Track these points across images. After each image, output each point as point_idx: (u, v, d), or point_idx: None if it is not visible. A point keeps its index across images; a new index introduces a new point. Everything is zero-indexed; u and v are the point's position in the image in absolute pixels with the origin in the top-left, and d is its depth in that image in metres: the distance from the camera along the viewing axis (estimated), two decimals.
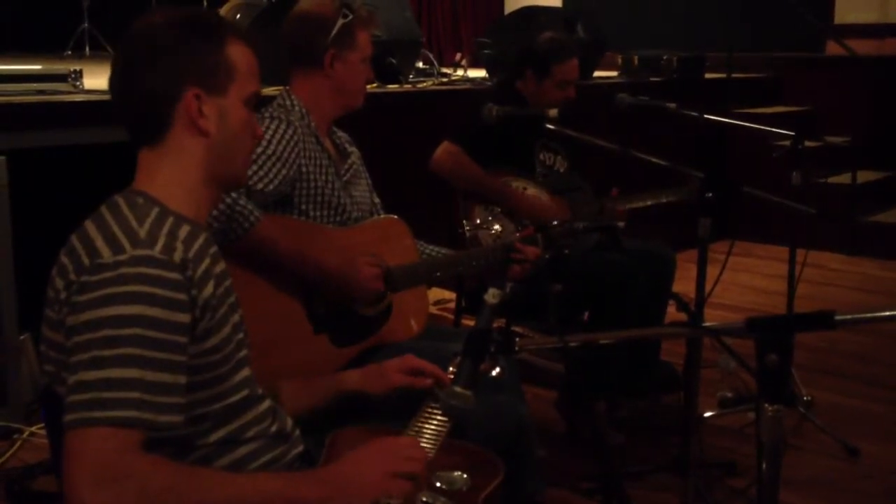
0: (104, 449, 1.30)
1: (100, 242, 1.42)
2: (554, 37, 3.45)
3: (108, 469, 1.29)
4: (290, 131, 2.36)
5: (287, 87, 2.50)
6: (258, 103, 1.65)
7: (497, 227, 3.21)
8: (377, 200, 2.67)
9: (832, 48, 6.99)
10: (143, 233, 1.43)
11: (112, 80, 1.56)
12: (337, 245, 2.39)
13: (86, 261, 1.41)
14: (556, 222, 2.57)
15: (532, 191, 3.35)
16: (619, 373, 3.28)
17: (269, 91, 3.81)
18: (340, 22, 2.43)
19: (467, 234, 3.19)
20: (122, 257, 1.39)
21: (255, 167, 2.25)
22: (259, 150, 2.28)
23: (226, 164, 1.58)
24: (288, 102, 2.46)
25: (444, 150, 3.23)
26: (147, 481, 1.31)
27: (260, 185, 2.26)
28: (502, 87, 3.61)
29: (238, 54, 1.57)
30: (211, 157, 1.56)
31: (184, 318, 1.41)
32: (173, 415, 1.38)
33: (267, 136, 2.31)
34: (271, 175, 2.29)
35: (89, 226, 1.47)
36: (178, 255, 1.43)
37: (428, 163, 3.26)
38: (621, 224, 2.36)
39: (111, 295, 1.37)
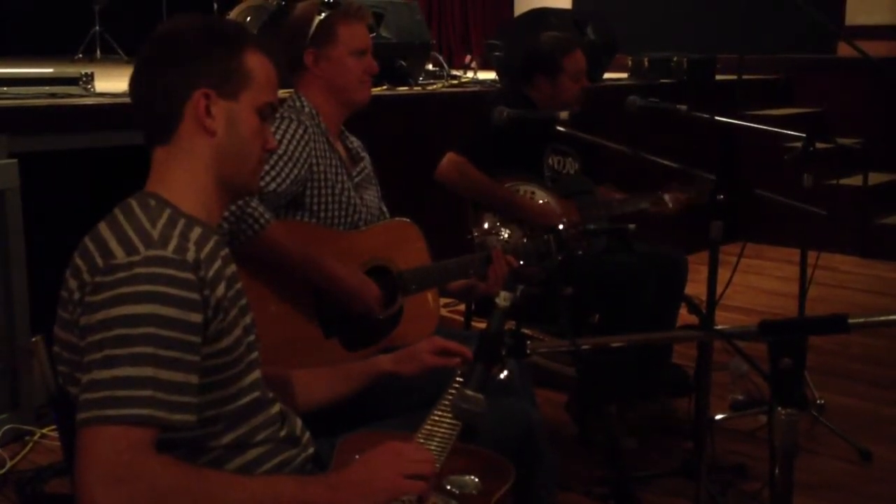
0: (116, 448, 1.31)
1: (113, 244, 1.43)
2: (555, 34, 3.52)
3: (120, 468, 1.29)
4: (300, 130, 2.36)
5: (296, 90, 2.50)
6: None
7: (506, 232, 3.20)
8: (385, 210, 2.65)
9: (843, 49, 6.95)
10: (155, 234, 1.45)
11: (132, 80, 1.60)
12: (348, 249, 2.38)
13: (100, 262, 1.43)
14: (564, 226, 2.56)
15: (540, 195, 3.33)
16: (630, 376, 3.27)
17: (280, 94, 3.82)
18: (317, 20, 2.43)
19: (476, 240, 3.19)
20: (135, 258, 1.41)
21: (266, 167, 2.25)
22: None
23: (233, 168, 1.59)
24: (298, 104, 2.46)
25: (449, 161, 3.22)
26: (158, 481, 1.31)
27: (272, 186, 2.26)
28: (510, 94, 3.60)
29: (256, 64, 1.59)
30: (218, 158, 1.57)
31: (196, 317, 1.42)
32: (186, 414, 1.39)
33: (277, 136, 2.31)
34: (283, 175, 2.29)
35: (103, 228, 1.49)
36: (190, 256, 1.44)
37: (436, 167, 3.25)
38: (632, 227, 2.35)
39: (124, 294, 1.38)
